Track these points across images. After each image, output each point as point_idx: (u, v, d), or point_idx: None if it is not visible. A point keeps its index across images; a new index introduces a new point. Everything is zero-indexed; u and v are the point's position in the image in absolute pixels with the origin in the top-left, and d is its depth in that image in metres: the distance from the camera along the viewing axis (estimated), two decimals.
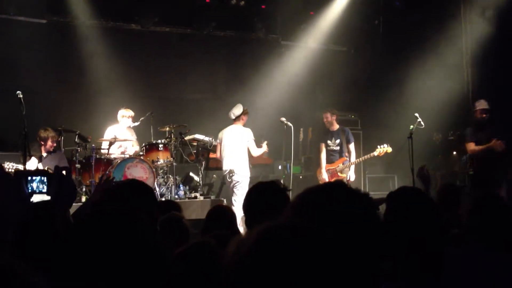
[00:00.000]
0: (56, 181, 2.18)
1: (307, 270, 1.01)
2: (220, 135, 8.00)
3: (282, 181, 8.14)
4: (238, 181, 7.65)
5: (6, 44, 8.84)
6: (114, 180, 2.94)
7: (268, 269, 1.01)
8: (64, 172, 2.21)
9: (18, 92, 6.88)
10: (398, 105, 9.73)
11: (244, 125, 7.98)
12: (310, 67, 10.59)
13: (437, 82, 9.65)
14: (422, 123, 7.44)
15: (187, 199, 7.70)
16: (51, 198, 2.17)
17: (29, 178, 2.16)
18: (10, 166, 6.65)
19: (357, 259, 1.16)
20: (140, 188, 2.42)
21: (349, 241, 1.24)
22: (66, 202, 2.22)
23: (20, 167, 6.58)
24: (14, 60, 8.72)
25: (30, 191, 2.15)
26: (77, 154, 7.44)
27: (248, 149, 7.84)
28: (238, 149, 7.77)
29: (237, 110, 7.95)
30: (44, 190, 2.18)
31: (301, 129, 9.82)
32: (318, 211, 1.35)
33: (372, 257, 1.33)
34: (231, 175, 7.65)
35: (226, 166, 7.80)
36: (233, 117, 7.94)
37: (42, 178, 2.18)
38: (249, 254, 1.05)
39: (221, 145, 7.94)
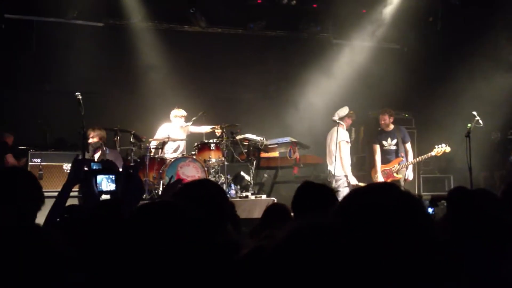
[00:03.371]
0: (123, 179, 2.23)
1: (321, 268, 1.12)
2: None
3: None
4: None
5: (65, 47, 9.17)
6: (176, 180, 3.01)
7: (288, 262, 1.14)
8: (131, 170, 2.26)
9: (77, 93, 7.13)
10: (453, 103, 9.44)
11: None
12: (362, 66, 10.43)
13: (495, 79, 9.29)
14: (480, 121, 7.20)
15: (238, 198, 7.76)
16: (119, 195, 2.22)
17: (98, 176, 2.22)
18: (69, 167, 6.89)
19: (382, 261, 1.21)
20: (211, 187, 2.46)
21: (383, 243, 1.24)
22: (133, 199, 2.26)
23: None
24: (72, 63, 9.02)
25: (99, 190, 2.21)
26: (132, 154, 7.65)
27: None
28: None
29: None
30: (113, 188, 2.23)
31: (353, 128, 9.67)
32: (364, 212, 1.35)
33: (411, 260, 1.30)
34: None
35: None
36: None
37: (111, 176, 2.23)
38: (277, 248, 1.19)
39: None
